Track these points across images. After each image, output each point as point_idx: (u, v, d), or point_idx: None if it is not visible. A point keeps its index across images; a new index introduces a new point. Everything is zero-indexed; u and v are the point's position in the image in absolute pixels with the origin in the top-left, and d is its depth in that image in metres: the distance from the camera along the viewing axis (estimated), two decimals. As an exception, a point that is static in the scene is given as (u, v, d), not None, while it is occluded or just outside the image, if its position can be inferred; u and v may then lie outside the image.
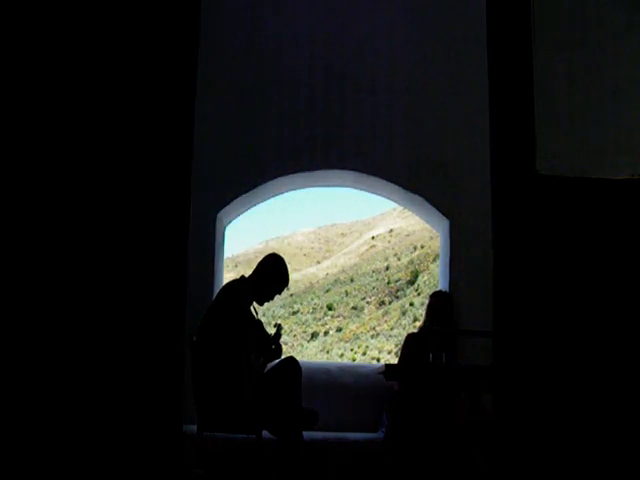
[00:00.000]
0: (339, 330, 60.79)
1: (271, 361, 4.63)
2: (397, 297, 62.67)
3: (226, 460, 4.51)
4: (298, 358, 4.68)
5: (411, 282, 63.30)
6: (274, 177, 5.45)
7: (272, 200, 6.08)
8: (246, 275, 4.68)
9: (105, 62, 2.57)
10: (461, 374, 4.15)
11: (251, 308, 4.56)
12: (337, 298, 66.98)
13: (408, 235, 73.59)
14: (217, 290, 5.27)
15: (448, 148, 5.48)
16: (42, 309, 2.45)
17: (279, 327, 4.72)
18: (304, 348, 58.00)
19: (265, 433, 4.30)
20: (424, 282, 60.62)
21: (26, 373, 2.42)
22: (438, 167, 5.46)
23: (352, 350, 55.13)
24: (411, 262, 66.54)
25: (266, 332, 4.56)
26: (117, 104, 2.55)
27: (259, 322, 4.58)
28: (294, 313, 64.91)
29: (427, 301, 5.37)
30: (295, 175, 5.51)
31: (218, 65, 5.37)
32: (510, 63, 2.70)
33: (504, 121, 2.68)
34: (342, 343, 57.53)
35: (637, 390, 2.54)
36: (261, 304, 4.64)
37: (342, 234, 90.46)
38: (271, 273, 4.62)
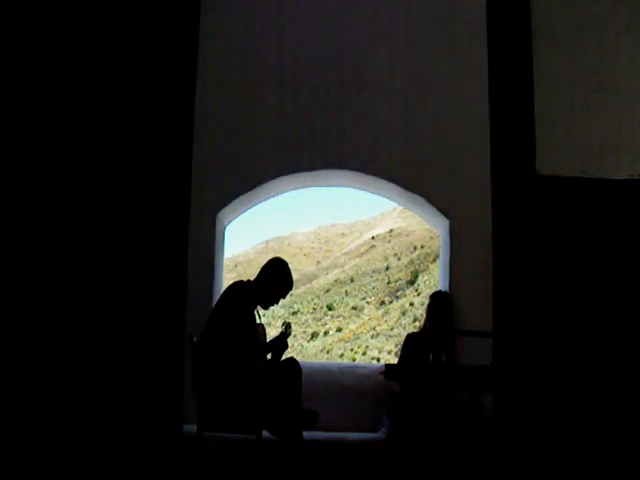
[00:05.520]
0: (339, 330, 60.77)
1: (274, 361, 4.63)
2: (397, 297, 62.65)
3: (226, 460, 4.51)
4: (298, 358, 4.67)
5: (411, 282, 63.28)
6: (274, 177, 5.44)
7: (272, 200, 6.08)
8: (249, 278, 4.69)
9: (105, 63, 2.57)
10: (461, 374, 4.15)
11: (255, 312, 4.56)
12: (337, 298, 66.97)
13: (408, 235, 73.56)
14: (217, 290, 5.28)
15: (448, 148, 5.47)
16: (41, 308, 2.45)
17: (288, 326, 4.72)
18: (304, 348, 57.97)
19: (265, 433, 4.31)
20: (424, 282, 60.59)
21: (26, 372, 2.43)
22: (438, 167, 5.46)
23: (352, 350, 55.11)
24: (411, 262, 66.51)
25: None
26: (117, 105, 2.56)
27: (261, 325, 4.59)
28: (294, 313, 64.88)
29: (427, 301, 5.37)
30: (295, 175, 5.51)
31: (218, 65, 5.37)
32: (510, 63, 2.70)
33: (504, 121, 2.68)
34: (342, 343, 57.51)
35: (636, 389, 2.55)
36: (266, 308, 4.66)
37: (342, 234, 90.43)
38: (276, 277, 4.64)
